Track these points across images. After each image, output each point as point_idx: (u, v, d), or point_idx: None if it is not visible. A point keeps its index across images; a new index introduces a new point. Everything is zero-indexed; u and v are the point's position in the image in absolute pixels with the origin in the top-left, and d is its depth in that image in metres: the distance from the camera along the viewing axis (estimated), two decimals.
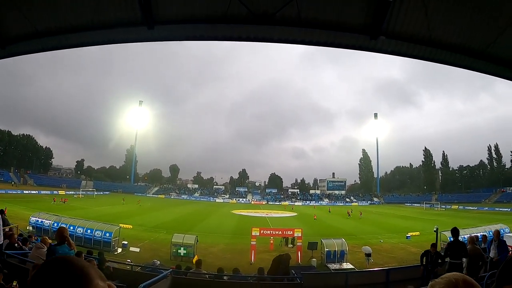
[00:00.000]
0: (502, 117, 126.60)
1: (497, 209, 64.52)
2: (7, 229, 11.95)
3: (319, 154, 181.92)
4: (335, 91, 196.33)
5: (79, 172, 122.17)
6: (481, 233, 17.06)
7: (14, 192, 63.43)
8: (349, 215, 54.61)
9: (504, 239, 11.70)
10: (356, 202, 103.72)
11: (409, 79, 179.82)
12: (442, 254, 9.14)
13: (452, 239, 8.73)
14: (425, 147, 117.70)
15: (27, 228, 23.49)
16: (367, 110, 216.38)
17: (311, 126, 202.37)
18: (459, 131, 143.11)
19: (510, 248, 12.49)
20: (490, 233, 16.99)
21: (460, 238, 9.01)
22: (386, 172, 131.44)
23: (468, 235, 11.60)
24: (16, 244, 9.28)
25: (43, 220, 24.63)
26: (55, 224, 23.67)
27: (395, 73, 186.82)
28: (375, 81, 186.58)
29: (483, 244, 9.98)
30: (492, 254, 9.12)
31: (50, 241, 9.58)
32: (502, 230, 21.33)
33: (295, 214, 59.26)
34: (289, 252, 13.49)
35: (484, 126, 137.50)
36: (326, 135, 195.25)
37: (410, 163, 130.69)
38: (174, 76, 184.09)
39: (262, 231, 22.79)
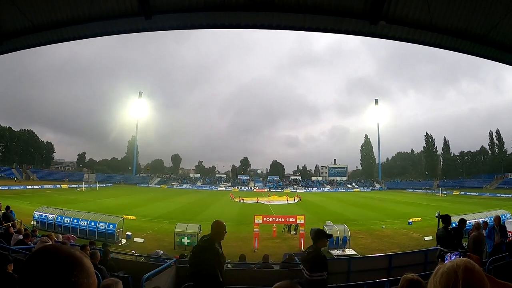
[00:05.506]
0: (503, 102, 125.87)
1: (498, 195, 64.45)
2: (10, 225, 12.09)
3: (316, 142, 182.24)
4: (319, 88, 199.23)
5: (81, 165, 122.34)
6: (482, 219, 17.07)
7: (17, 187, 63.55)
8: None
9: (505, 224, 11.82)
10: (358, 188, 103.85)
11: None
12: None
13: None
14: (427, 133, 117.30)
15: (31, 223, 23.64)
16: (359, 98, 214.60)
17: (301, 117, 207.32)
18: (458, 117, 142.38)
19: (509, 233, 12.63)
20: (491, 218, 17.03)
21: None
22: (387, 158, 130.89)
23: (475, 220, 11.63)
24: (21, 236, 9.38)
25: (47, 215, 24.81)
26: (59, 218, 23.90)
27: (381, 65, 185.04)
28: (363, 75, 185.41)
29: (483, 231, 10.01)
30: (496, 239, 9.20)
31: (55, 237, 9.70)
32: (503, 216, 21.39)
33: (297, 200, 59.51)
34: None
35: (484, 112, 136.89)
36: (318, 123, 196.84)
37: (412, 149, 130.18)
38: (172, 69, 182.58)
39: (264, 219, 22.85)
